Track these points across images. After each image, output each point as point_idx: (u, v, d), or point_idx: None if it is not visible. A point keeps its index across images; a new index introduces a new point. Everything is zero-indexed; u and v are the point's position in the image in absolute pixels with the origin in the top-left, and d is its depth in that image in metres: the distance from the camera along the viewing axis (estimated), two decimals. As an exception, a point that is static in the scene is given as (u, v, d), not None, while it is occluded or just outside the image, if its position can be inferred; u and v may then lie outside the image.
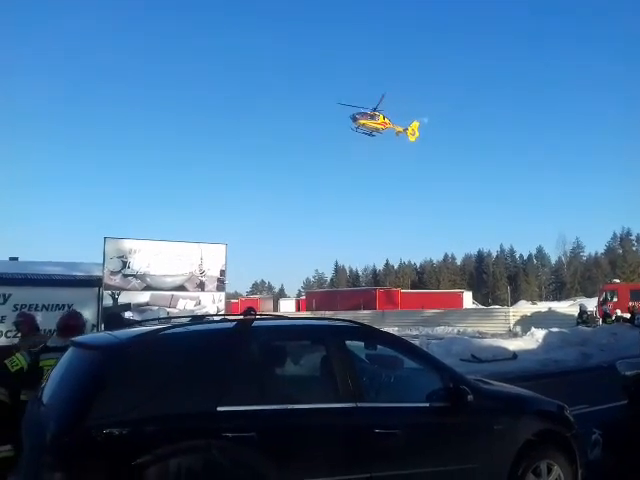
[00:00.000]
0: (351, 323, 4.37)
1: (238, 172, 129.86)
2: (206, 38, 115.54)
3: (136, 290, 20.72)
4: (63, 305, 22.17)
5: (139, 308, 20.50)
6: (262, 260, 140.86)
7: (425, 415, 4.09)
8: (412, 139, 32.83)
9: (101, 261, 20.40)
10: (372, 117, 31.39)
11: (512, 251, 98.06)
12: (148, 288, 20.87)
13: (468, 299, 42.12)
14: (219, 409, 3.37)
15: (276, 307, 48.67)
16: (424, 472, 3.92)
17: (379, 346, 4.59)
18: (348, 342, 4.07)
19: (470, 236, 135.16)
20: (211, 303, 21.96)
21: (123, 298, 20.43)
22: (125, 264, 20.73)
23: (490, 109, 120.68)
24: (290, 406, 3.61)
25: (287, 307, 47.22)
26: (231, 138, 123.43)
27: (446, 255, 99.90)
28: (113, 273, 20.54)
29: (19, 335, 7.25)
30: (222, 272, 22.39)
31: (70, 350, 3.89)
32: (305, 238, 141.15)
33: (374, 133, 32.13)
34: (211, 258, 22.06)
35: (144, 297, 20.84)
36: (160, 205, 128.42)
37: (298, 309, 43.17)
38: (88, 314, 22.29)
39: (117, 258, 20.59)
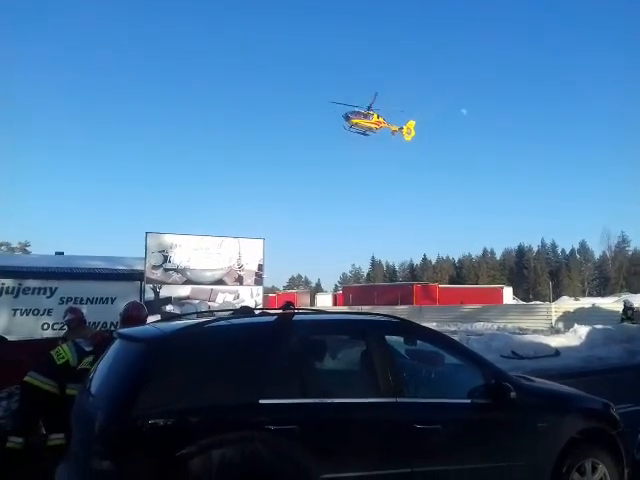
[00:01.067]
0: (391, 318, 4.36)
1: (274, 167, 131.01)
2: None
3: (177, 284, 21.16)
4: (107, 298, 22.90)
5: (180, 301, 20.94)
6: (299, 255, 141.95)
7: (466, 411, 4.06)
8: (408, 138, 32.03)
9: (143, 255, 20.91)
10: (366, 116, 30.88)
11: (554, 246, 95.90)
12: (188, 282, 21.29)
13: (508, 295, 41.31)
14: (261, 402, 3.42)
15: (313, 302, 48.84)
16: (466, 468, 3.89)
17: (419, 341, 4.57)
18: (388, 337, 4.07)
19: (510, 230, 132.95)
20: (249, 297, 22.26)
21: (164, 292, 20.91)
22: (166, 258, 21.19)
23: (528, 98, 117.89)
24: (331, 400, 3.64)
25: (324, 302, 47.31)
26: (264, 132, 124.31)
27: (485, 250, 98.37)
28: (154, 267, 21.04)
29: (66, 328, 7.50)
30: (260, 266, 22.66)
31: (117, 342, 4.01)
32: (342, 233, 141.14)
33: (368, 133, 31.65)
34: (249, 253, 22.35)
35: (185, 291, 21.28)
36: (199, 200, 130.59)
37: (335, 304, 43.19)
38: (130, 307, 22.90)
39: (158, 252, 21.08)
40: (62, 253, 26.82)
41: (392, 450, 3.70)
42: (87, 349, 5.99)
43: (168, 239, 21.72)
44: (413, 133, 31.99)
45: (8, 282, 21.12)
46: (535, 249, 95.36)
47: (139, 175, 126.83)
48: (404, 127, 31.65)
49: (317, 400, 3.61)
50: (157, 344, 3.53)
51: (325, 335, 4.19)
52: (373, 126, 31.00)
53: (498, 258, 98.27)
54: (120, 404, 3.23)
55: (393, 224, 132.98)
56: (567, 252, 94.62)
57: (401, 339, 4.52)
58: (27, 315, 20.65)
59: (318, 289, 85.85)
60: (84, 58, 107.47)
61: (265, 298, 27.64)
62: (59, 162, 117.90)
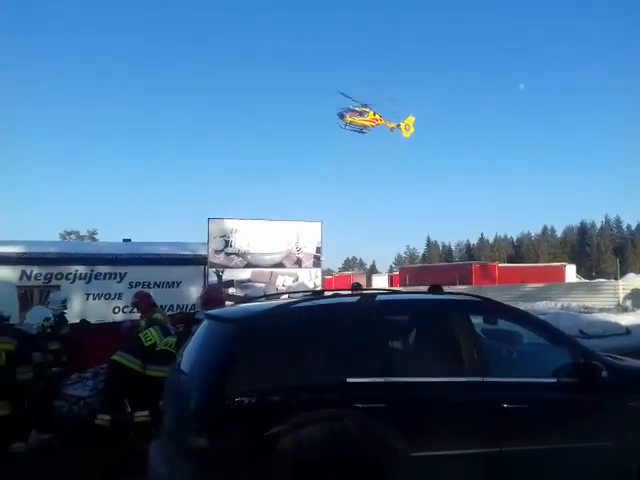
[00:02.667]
0: (475, 297, 4.31)
1: (326, 149, 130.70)
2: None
3: (238, 267, 21.59)
4: (173, 282, 23.65)
5: (241, 284, 21.37)
6: (353, 237, 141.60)
7: (553, 391, 3.99)
8: (406, 135, 30.94)
9: (205, 241, 21.43)
10: (361, 114, 30.10)
11: (618, 221, 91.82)
12: (249, 265, 21.68)
13: (571, 273, 39.85)
14: (349, 380, 3.47)
15: (369, 283, 48.76)
16: (555, 448, 3.83)
17: (499, 321, 4.51)
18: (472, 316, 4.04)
19: (572, 207, 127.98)
20: (308, 279, 22.46)
21: (227, 275, 21.35)
22: (227, 243, 21.62)
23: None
24: (417, 379, 3.67)
25: (380, 283, 47.08)
26: (321, 117, 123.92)
27: (545, 227, 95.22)
28: (217, 252, 21.50)
29: (136, 312, 7.80)
30: (318, 249, 22.78)
31: (205, 323, 4.16)
32: (397, 213, 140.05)
33: (364, 130, 30.87)
34: (307, 236, 22.48)
35: (245, 274, 21.69)
36: (257, 185, 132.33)
37: (391, 285, 42.95)
38: (195, 291, 23.63)
39: (220, 237, 21.51)
40: (129, 240, 27.81)
41: (480, 430, 3.70)
42: (173, 333, 6.27)
43: (229, 224, 22.11)
44: (412, 130, 30.98)
45: (81, 269, 22.16)
46: (598, 225, 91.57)
47: (201, 162, 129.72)
48: (402, 124, 30.84)
49: (404, 379, 3.64)
50: (247, 325, 3.63)
51: (409, 315, 4.20)
52: (369, 124, 30.40)
53: (559, 236, 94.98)
54: (214, 383, 3.35)
55: (449, 204, 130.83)
56: (633, 228, 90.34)
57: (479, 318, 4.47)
58: (99, 299, 21.58)
59: (373, 271, 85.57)
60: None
61: (322, 280, 27.84)
62: (122, 150, 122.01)
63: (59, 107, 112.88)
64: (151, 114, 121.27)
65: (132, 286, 22.54)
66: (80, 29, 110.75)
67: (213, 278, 21.33)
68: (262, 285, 15.81)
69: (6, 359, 4.77)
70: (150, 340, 6.19)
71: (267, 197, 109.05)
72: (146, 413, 5.94)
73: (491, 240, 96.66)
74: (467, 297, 4.37)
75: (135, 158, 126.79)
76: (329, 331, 3.65)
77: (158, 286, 23.09)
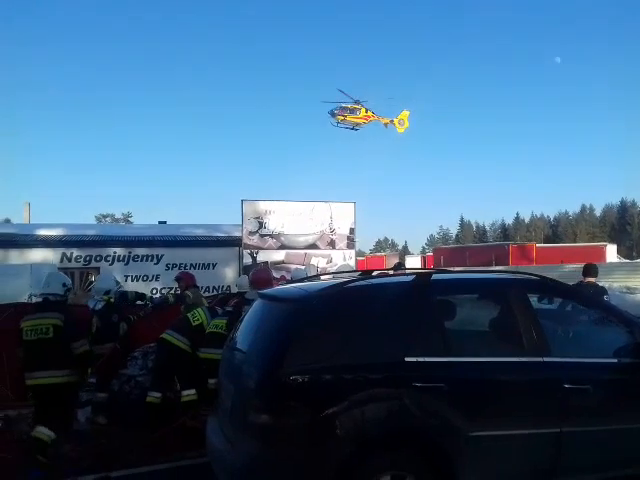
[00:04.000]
0: (532, 275, 4.20)
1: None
2: None
3: (272, 249, 21.73)
4: (208, 264, 23.95)
5: (275, 266, 21.49)
6: (385, 217, 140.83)
7: (614, 371, 3.88)
8: (400, 130, 30.56)
9: (240, 222, 21.58)
10: (352, 111, 29.89)
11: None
12: (283, 247, 21.79)
13: (612, 253, 38.77)
14: (407, 359, 3.43)
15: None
16: (616, 429, 3.74)
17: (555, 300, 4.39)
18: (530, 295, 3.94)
19: (612, 185, 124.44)
20: (342, 260, 22.41)
21: (261, 257, 21.52)
22: (261, 225, 21.74)
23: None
24: (477, 359, 3.61)
25: (413, 264, 46.76)
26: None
27: (584, 206, 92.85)
28: (251, 233, 21.66)
29: (177, 291, 7.90)
30: (351, 230, 22.71)
31: (259, 302, 4.16)
32: (429, 194, 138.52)
33: (357, 127, 30.68)
34: (341, 217, 22.43)
35: (280, 255, 21.81)
36: (288, 166, 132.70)
37: (424, 266, 42.58)
38: (230, 272, 23.89)
39: (254, 219, 21.64)
40: (165, 222, 28.26)
41: (541, 410, 3.63)
42: (220, 313, 6.35)
43: (262, 206, 22.21)
44: (406, 124, 30.63)
45: (119, 251, 22.61)
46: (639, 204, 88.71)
47: (236, 145, 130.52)
48: (395, 119, 30.43)
49: (463, 359, 3.58)
50: (305, 304, 3.61)
51: (466, 294, 4.13)
52: (361, 121, 30.25)
53: (598, 215, 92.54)
54: (274, 362, 3.35)
55: (484, 183, 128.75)
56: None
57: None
58: (137, 281, 21.97)
59: (405, 252, 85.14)
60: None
61: (355, 262, 27.76)
62: (155, 133, 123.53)
63: (93, 90, 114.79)
64: (185, 97, 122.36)
65: (169, 268, 22.91)
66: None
67: (247, 259, 21.54)
68: (304, 266, 15.79)
69: (54, 332, 4.89)
70: (198, 320, 6.28)
71: (300, 180, 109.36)
72: (193, 392, 6.04)
73: (527, 220, 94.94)
74: (525, 275, 4.25)
75: (168, 141, 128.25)
76: (387, 310, 3.59)
77: (194, 267, 23.35)
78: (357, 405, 3.31)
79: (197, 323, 6.25)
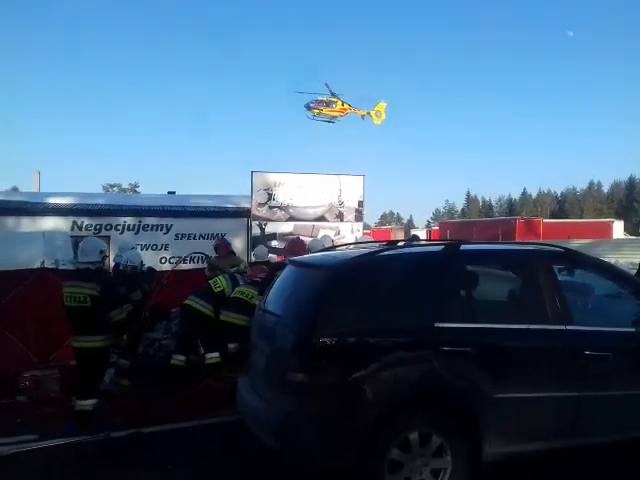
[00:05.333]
0: (557, 247, 4.31)
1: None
2: None
3: (280, 221, 21.77)
4: (217, 234, 24.01)
5: (284, 237, 21.62)
6: (390, 191, 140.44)
7: (633, 340, 4.02)
8: (377, 122, 30.55)
9: (249, 194, 21.63)
10: (328, 104, 29.84)
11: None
12: (291, 219, 21.79)
13: (619, 229, 38.80)
14: (437, 325, 3.58)
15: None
16: (633, 394, 3.91)
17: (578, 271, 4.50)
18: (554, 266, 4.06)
19: (620, 161, 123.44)
20: (350, 233, 22.47)
21: (269, 228, 21.55)
22: (270, 196, 21.70)
23: None
24: (503, 325, 3.75)
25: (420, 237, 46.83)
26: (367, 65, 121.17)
27: (591, 182, 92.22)
28: (260, 205, 21.62)
29: (217, 256, 8.07)
30: (360, 203, 22.63)
31: (292, 269, 4.32)
32: (435, 167, 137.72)
33: (333, 120, 30.65)
34: (349, 189, 22.34)
35: (288, 227, 21.83)
36: (298, 139, 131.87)
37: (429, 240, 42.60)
38: (238, 243, 24.00)
39: (263, 191, 21.58)
40: (174, 192, 28.28)
41: (561, 375, 3.79)
42: (241, 282, 6.53)
43: (272, 177, 22.08)
44: (383, 116, 30.52)
45: (129, 220, 22.69)
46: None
47: (244, 117, 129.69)
48: (372, 111, 30.33)
49: (489, 325, 3.73)
50: (339, 271, 3.76)
51: (493, 264, 4.26)
52: (337, 114, 30.23)
53: (605, 191, 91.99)
54: (310, 325, 3.50)
55: (491, 157, 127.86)
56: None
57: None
58: (147, 250, 21.98)
59: (410, 225, 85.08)
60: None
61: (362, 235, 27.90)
62: (162, 102, 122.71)
63: (97, 58, 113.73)
64: (194, 65, 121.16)
65: (178, 238, 23.04)
66: None
67: (256, 231, 21.64)
68: (321, 237, 15.88)
69: (91, 302, 5.03)
70: (219, 287, 6.46)
71: (308, 151, 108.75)
72: (217, 355, 6.24)
73: (534, 195, 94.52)
74: (550, 247, 4.37)
75: (173, 109, 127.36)
76: (417, 278, 3.73)
77: (203, 238, 23.47)
78: (388, 367, 3.47)
79: (219, 290, 6.43)
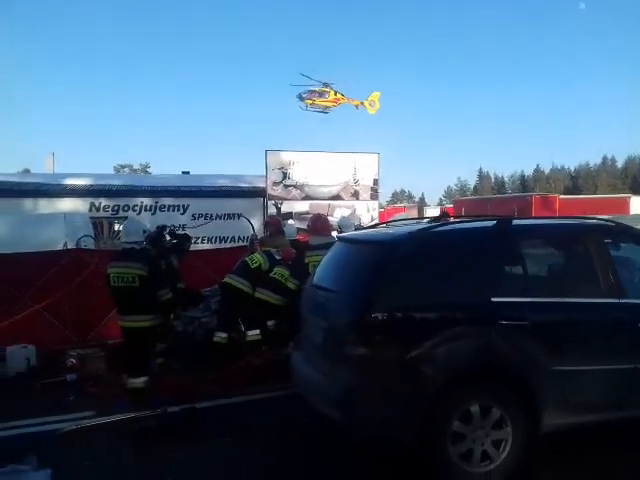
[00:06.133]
0: (608, 221, 4.31)
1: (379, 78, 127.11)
2: None
3: (296, 200, 21.78)
4: (233, 214, 24.08)
5: (300, 216, 21.63)
6: (401, 169, 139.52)
7: None
8: (371, 111, 30.13)
9: (263, 173, 21.60)
10: (321, 94, 29.50)
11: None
12: (307, 198, 21.82)
13: (636, 204, 38.41)
14: (493, 300, 3.61)
15: (422, 215, 48.25)
16: None
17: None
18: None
19: (634, 136, 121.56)
20: (365, 211, 22.50)
21: (285, 207, 21.60)
22: (285, 175, 21.72)
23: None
24: (558, 299, 3.78)
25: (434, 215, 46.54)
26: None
27: (605, 157, 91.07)
28: (275, 184, 21.67)
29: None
30: (375, 181, 22.62)
31: (342, 245, 4.34)
32: (447, 145, 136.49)
33: (326, 110, 30.27)
34: (364, 168, 22.31)
35: (304, 206, 21.86)
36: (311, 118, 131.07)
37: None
38: (255, 222, 24.06)
39: (278, 170, 21.60)
40: (188, 172, 28.33)
41: (615, 347, 3.83)
42: (277, 257, 6.59)
43: (286, 156, 22.09)
44: (377, 105, 30.17)
45: (146, 200, 22.80)
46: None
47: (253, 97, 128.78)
48: (365, 101, 29.93)
49: (544, 299, 3.76)
50: (395, 246, 3.78)
51: (546, 239, 4.25)
52: (330, 104, 29.86)
53: (619, 166, 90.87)
54: (368, 299, 3.55)
55: (503, 133, 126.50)
56: None
57: None
58: (165, 230, 22.21)
59: (423, 203, 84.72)
60: None
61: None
62: (172, 82, 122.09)
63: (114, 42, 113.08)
64: (204, 44, 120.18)
65: (195, 217, 23.12)
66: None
67: (272, 210, 21.65)
68: (348, 215, 15.89)
69: (140, 282, 5.10)
70: (255, 263, 6.53)
71: (321, 129, 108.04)
72: (258, 332, 6.32)
73: (547, 171, 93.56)
74: (601, 221, 4.38)
75: (182, 88, 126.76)
76: (472, 253, 3.75)
77: (219, 218, 23.57)
78: (447, 341, 3.51)
79: (255, 266, 6.51)
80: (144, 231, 5.36)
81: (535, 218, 4.98)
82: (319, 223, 6.28)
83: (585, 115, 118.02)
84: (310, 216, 6.87)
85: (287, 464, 4.04)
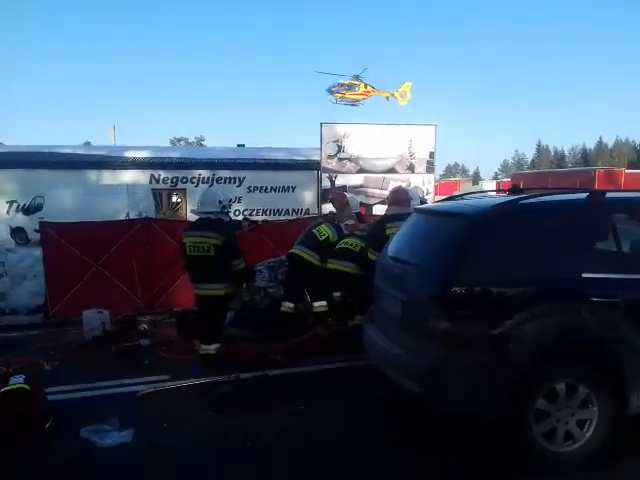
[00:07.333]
0: None
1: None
2: None
3: (350, 173, 21.59)
4: (288, 187, 24.26)
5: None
6: (455, 142, 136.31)
7: None
8: (402, 102, 29.12)
9: (318, 146, 21.49)
10: (350, 87, 28.79)
11: None
12: (361, 171, 21.59)
13: None
14: (584, 275, 3.45)
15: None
16: None
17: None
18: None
19: None
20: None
21: (339, 180, 21.46)
22: (340, 148, 21.50)
23: None
24: None
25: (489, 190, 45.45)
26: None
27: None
28: (330, 157, 21.52)
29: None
30: (431, 154, 22.11)
31: (420, 217, 4.25)
32: (503, 117, 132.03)
33: (356, 103, 29.45)
34: (420, 140, 21.80)
35: (358, 179, 21.67)
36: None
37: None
38: (309, 195, 24.10)
39: (332, 142, 21.40)
40: (243, 145, 28.56)
41: None
42: (345, 231, 6.57)
43: (341, 129, 21.84)
44: (408, 96, 29.20)
45: (204, 173, 23.27)
46: None
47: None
48: (396, 92, 29.07)
49: (637, 275, 3.56)
50: (479, 219, 3.67)
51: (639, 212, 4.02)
52: (360, 97, 29.19)
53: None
54: (454, 272, 3.46)
55: (565, 105, 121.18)
56: None
57: None
58: (221, 203, 22.58)
59: (477, 177, 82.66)
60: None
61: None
62: (227, 57, 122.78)
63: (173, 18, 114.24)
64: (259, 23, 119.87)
65: (250, 190, 23.46)
66: None
67: (326, 183, 21.58)
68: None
69: (215, 251, 5.18)
70: (323, 235, 6.52)
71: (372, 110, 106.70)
72: (324, 303, 6.34)
73: (610, 144, 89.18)
74: None
75: (233, 63, 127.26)
76: (562, 227, 3.60)
77: (274, 190, 23.83)
78: (534, 317, 3.40)
79: (323, 238, 6.49)
80: (220, 202, 5.40)
81: (627, 191, 4.70)
82: (401, 195, 6.18)
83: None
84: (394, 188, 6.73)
85: (356, 432, 4.05)
